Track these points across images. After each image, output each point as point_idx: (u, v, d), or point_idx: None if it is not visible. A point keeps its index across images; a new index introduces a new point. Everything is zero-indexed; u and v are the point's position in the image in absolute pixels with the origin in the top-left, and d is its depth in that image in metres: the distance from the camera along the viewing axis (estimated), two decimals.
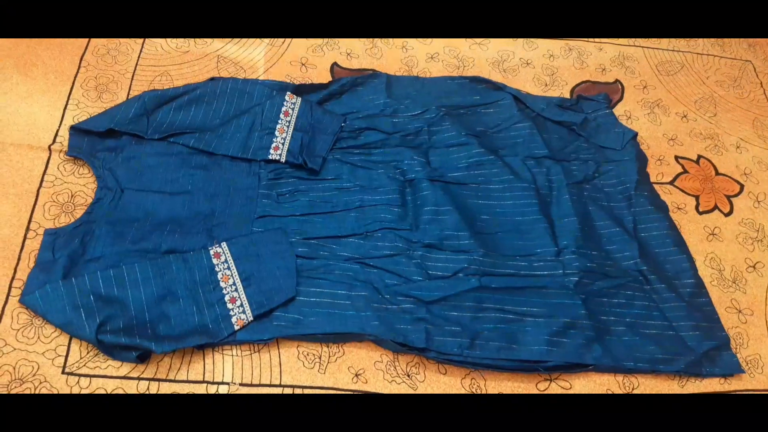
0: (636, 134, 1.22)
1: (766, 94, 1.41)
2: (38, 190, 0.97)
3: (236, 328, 0.86)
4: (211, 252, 0.90)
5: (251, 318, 0.87)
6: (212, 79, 1.11)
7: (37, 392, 0.80)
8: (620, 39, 1.45)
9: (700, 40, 1.49)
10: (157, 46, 1.20)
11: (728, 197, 1.21)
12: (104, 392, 0.82)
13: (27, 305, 0.84)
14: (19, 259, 0.90)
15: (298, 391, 0.86)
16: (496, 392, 0.90)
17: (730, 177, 1.24)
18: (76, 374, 0.83)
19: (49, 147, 1.02)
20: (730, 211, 1.19)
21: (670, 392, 0.93)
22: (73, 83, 1.11)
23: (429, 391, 0.89)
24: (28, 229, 0.93)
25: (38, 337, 0.84)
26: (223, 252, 0.91)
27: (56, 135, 1.03)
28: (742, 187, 1.23)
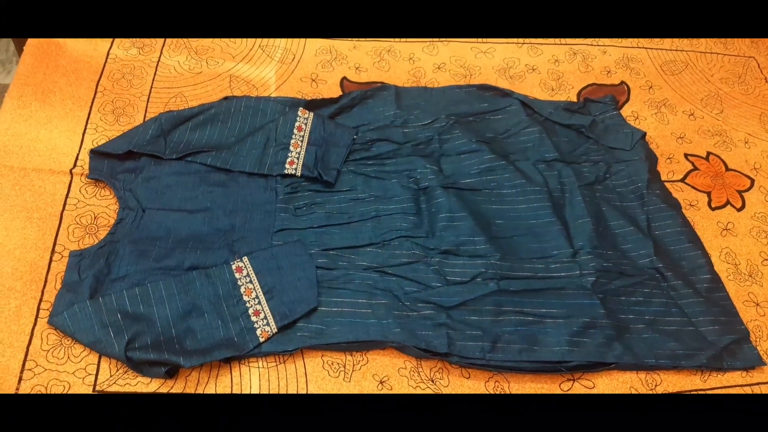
0: (644, 134, 1.23)
1: None
2: (62, 213, 0.99)
3: (261, 340, 0.87)
4: (233, 266, 0.92)
5: (275, 330, 0.88)
6: (226, 98, 1.13)
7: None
8: (623, 41, 1.47)
9: (703, 39, 1.51)
10: (171, 68, 1.22)
11: (739, 192, 1.22)
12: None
13: (56, 326, 0.86)
14: (45, 281, 0.92)
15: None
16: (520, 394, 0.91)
17: (740, 172, 1.25)
18: (106, 392, 0.84)
19: (71, 171, 1.04)
20: (743, 206, 1.19)
21: (693, 387, 0.94)
22: (91, 108, 1.13)
23: None
24: (53, 251, 0.95)
25: (68, 357, 0.86)
26: (245, 266, 0.92)
27: (77, 159, 1.06)
28: (752, 181, 1.24)
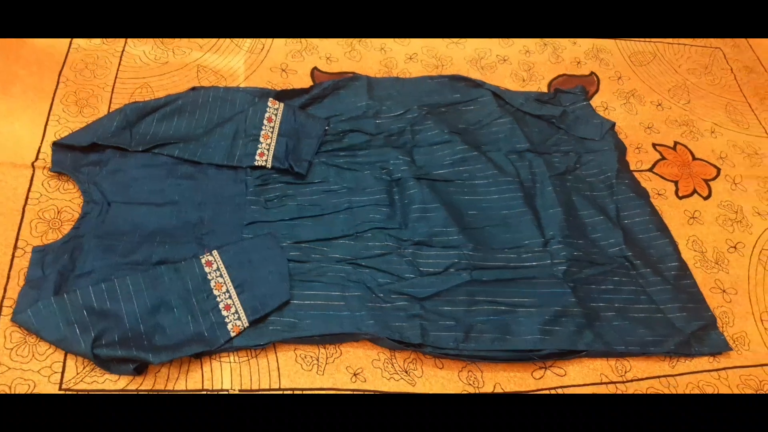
0: (614, 124, 1.25)
1: (736, 79, 1.45)
2: (24, 208, 0.96)
3: (232, 334, 0.86)
4: (203, 260, 0.90)
5: (247, 324, 0.87)
6: (193, 88, 1.11)
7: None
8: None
9: None
10: (136, 58, 1.19)
11: (706, 181, 1.24)
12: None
13: (20, 324, 0.83)
14: (8, 278, 0.90)
15: (298, 393, 0.86)
16: (493, 383, 0.91)
17: (706, 161, 1.27)
18: (73, 390, 0.82)
19: (33, 164, 1.01)
20: (709, 195, 1.22)
21: (662, 373, 0.95)
22: (53, 99, 1.10)
23: (427, 386, 0.89)
24: (15, 247, 0.93)
25: (33, 355, 0.84)
26: (215, 260, 0.91)
27: (39, 152, 1.03)
28: (718, 170, 1.26)
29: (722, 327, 1.02)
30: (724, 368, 0.98)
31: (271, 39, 1.29)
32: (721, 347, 0.99)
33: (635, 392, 0.92)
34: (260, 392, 0.85)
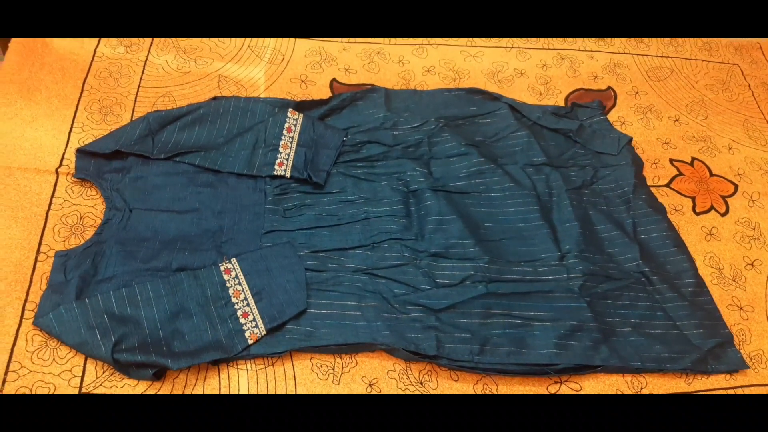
0: (631, 139, 1.25)
1: (754, 95, 1.45)
2: (47, 213, 0.98)
3: (250, 342, 0.87)
4: (222, 268, 0.91)
5: (264, 332, 0.88)
6: (215, 98, 1.13)
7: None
8: (610, 47, 1.48)
9: (687, 45, 1.53)
10: (159, 67, 1.21)
11: (723, 197, 1.24)
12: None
13: (41, 327, 0.85)
14: (31, 281, 0.91)
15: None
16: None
17: (724, 178, 1.27)
18: (93, 394, 0.83)
19: (56, 170, 1.03)
20: (726, 211, 1.21)
21: (678, 390, 0.95)
22: (77, 106, 1.12)
23: None
24: (38, 251, 0.94)
25: (53, 359, 0.85)
26: (234, 268, 0.92)
27: (63, 158, 1.04)
28: (736, 187, 1.26)
29: (739, 345, 1.01)
30: (740, 386, 0.97)
31: (291, 49, 1.31)
32: (738, 365, 0.98)
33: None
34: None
